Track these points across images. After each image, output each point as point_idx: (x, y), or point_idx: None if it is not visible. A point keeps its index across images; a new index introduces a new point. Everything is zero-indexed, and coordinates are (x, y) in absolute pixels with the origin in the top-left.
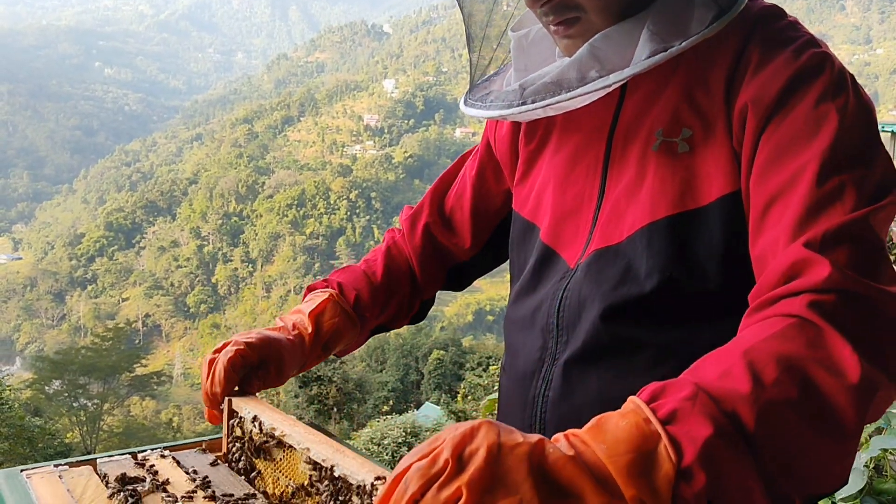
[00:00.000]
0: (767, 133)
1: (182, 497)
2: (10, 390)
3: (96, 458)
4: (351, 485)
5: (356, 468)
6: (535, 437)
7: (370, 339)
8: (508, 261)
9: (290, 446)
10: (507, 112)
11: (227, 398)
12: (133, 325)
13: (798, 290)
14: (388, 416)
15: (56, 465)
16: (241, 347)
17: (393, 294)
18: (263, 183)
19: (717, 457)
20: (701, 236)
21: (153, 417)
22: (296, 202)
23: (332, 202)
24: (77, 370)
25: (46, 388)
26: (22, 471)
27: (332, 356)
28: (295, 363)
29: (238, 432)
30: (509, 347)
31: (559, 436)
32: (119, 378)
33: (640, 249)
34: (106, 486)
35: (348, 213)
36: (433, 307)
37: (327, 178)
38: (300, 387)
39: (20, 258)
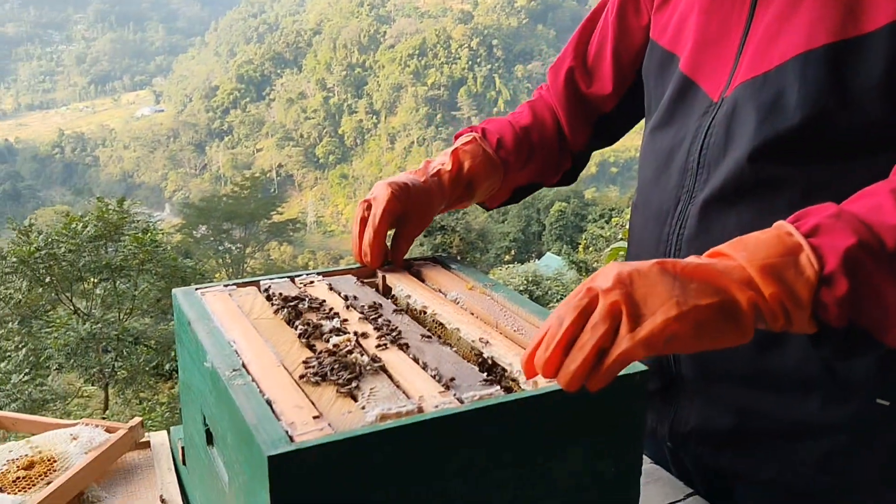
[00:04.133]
0: None
1: (335, 314)
2: (162, 234)
3: (259, 280)
4: (498, 366)
5: (504, 351)
6: (657, 259)
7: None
8: (645, 93)
9: (442, 325)
10: None
11: (382, 275)
12: (268, 175)
13: None
14: (510, 265)
15: (225, 286)
16: (389, 203)
17: (538, 144)
18: (385, 32)
19: (859, 266)
20: (862, 66)
21: (291, 261)
22: (417, 52)
23: (452, 51)
24: (220, 216)
25: (194, 232)
26: (197, 289)
27: (477, 205)
28: (435, 204)
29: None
30: (643, 184)
31: (689, 256)
32: (258, 224)
33: (791, 79)
34: (271, 303)
35: (469, 63)
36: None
37: (448, 25)
38: (424, 235)
39: (162, 110)
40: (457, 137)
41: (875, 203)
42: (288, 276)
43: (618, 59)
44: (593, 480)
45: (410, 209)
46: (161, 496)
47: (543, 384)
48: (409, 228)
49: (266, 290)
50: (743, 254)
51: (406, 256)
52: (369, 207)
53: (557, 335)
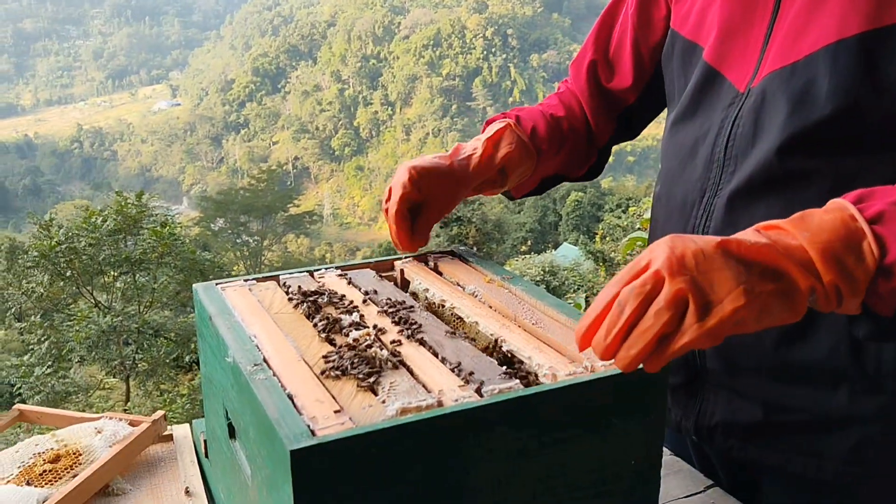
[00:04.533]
0: None
1: (354, 308)
2: (181, 227)
3: (279, 275)
4: (517, 359)
5: (522, 344)
6: (720, 237)
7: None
8: (666, 84)
9: (460, 318)
10: None
11: (400, 268)
12: (284, 168)
13: None
14: (527, 256)
15: (245, 280)
16: (405, 190)
17: (569, 134)
18: (399, 23)
19: None
20: None
21: (308, 254)
22: (431, 42)
23: (467, 41)
24: (238, 209)
25: (212, 225)
26: (217, 284)
27: (502, 194)
28: (460, 189)
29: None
30: (666, 176)
31: (748, 230)
32: (275, 217)
33: (822, 69)
34: (290, 298)
35: (484, 53)
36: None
37: (462, 15)
38: (440, 226)
39: (179, 104)
40: (488, 123)
41: None
42: (307, 271)
43: (637, 51)
44: (614, 472)
45: (431, 195)
46: (186, 488)
47: (563, 376)
48: (429, 214)
49: (285, 284)
50: (805, 234)
51: (424, 249)
52: (390, 195)
53: (619, 323)
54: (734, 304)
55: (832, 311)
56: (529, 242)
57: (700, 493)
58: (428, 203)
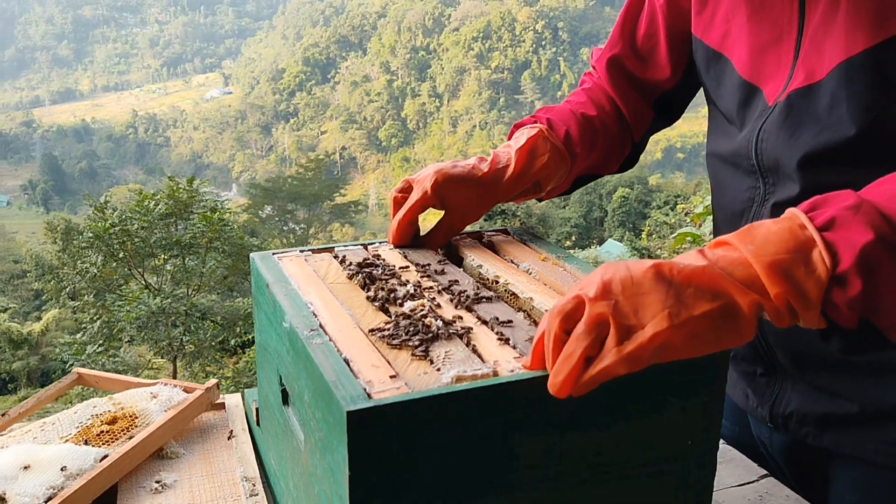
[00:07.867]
0: None
1: (409, 279)
2: (230, 213)
3: (333, 247)
4: None
5: None
6: (654, 261)
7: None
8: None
9: (514, 294)
10: None
11: (454, 244)
12: (331, 157)
13: None
14: (571, 251)
15: (301, 251)
16: (425, 197)
17: (601, 132)
18: (449, 15)
19: (876, 265)
20: None
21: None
22: (481, 35)
23: (517, 34)
24: (285, 197)
25: (260, 212)
26: (273, 254)
27: (537, 198)
28: (488, 200)
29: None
30: (716, 184)
31: (690, 252)
32: (321, 206)
33: (840, 89)
34: (345, 269)
35: (534, 46)
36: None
37: (513, 7)
38: (485, 220)
39: (230, 93)
40: (516, 127)
41: None
42: (361, 244)
43: (672, 39)
44: (668, 453)
45: (455, 204)
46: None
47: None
48: (452, 221)
49: (340, 255)
50: (750, 247)
51: (475, 227)
52: (406, 189)
53: (549, 350)
54: (656, 328)
55: (795, 325)
56: (574, 238)
57: (754, 482)
58: (451, 211)
